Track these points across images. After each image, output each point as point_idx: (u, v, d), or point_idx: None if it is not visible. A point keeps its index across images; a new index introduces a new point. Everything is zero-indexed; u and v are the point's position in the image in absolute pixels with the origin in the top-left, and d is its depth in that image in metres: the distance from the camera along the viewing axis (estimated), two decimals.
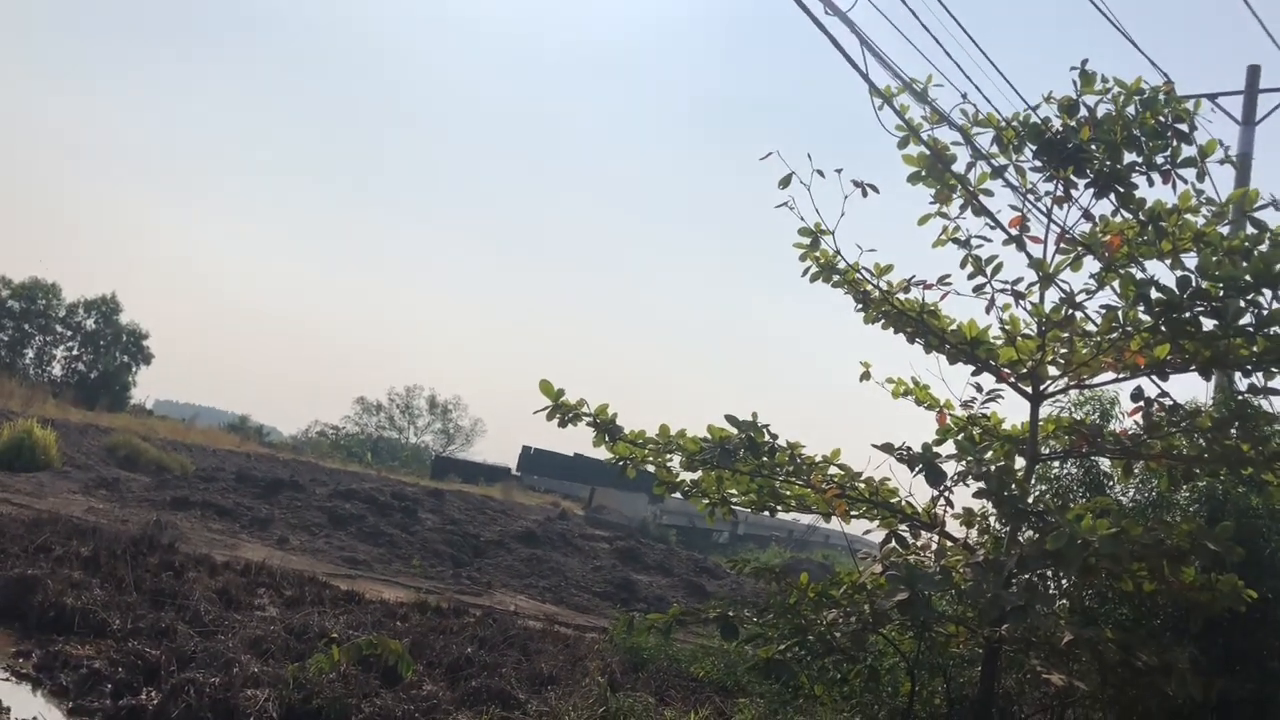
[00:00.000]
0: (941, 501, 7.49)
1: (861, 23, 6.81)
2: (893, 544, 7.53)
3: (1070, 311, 7.36)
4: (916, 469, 7.12)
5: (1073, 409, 9.00)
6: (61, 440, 23.56)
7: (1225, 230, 7.36)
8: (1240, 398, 7.24)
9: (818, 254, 7.85)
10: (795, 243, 7.84)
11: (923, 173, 7.63)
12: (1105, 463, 9.15)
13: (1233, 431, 7.14)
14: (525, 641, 11.89)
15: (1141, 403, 7.44)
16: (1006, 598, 6.11)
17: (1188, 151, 7.32)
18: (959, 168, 7.60)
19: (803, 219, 7.56)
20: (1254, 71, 16.37)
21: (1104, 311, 7.18)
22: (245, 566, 13.40)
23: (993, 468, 7.12)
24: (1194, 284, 6.61)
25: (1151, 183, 7.36)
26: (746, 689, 10.35)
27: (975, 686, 7.72)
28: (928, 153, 7.56)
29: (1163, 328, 6.79)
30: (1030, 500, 7.34)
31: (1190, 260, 7.04)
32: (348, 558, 17.93)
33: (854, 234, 7.74)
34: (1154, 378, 7.41)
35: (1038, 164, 7.46)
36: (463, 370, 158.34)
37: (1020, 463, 7.74)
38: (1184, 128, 7.29)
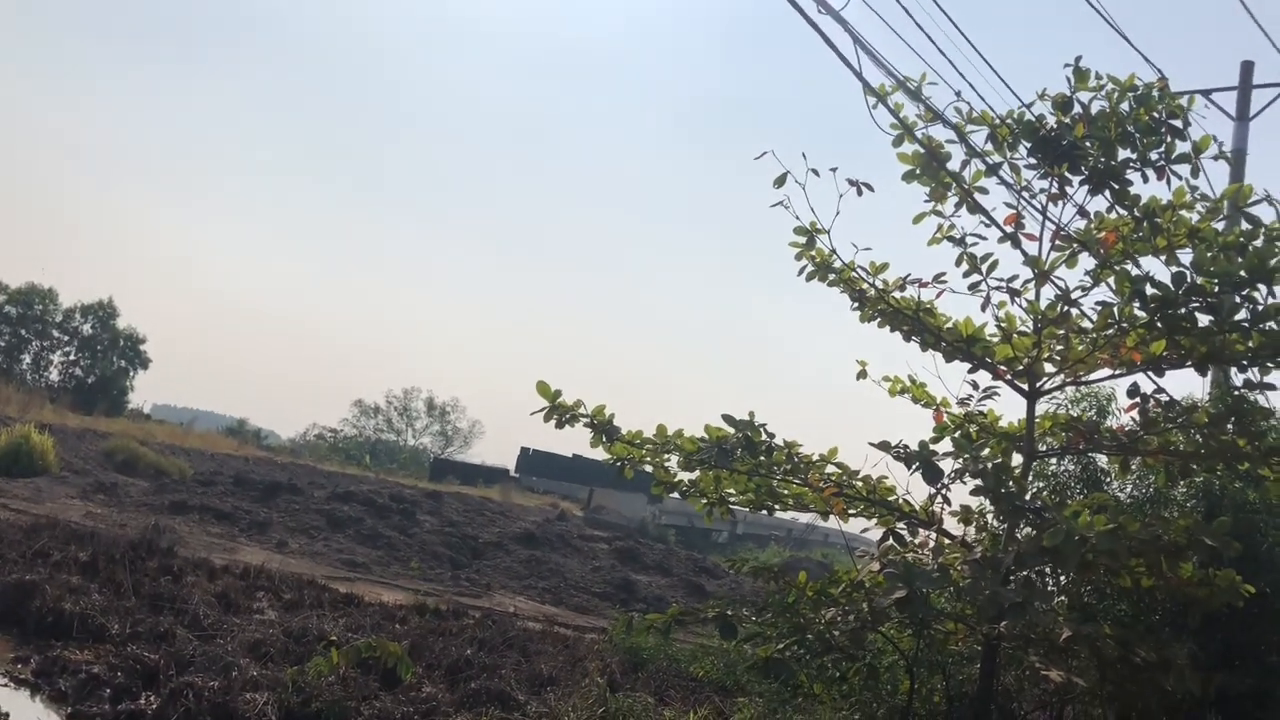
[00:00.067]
0: (939, 499, 7.49)
1: (854, 21, 6.82)
2: (890, 542, 7.53)
3: (1066, 308, 7.37)
4: (914, 467, 7.13)
5: (1069, 406, 9.02)
6: (59, 445, 23.54)
7: (1220, 226, 7.37)
8: (1236, 393, 7.25)
9: (813, 253, 7.86)
10: (791, 242, 7.85)
11: (917, 171, 7.64)
12: (1103, 459, 9.17)
13: (1229, 427, 7.15)
14: (524, 643, 11.89)
15: (1138, 399, 7.46)
16: (1004, 595, 6.12)
17: (1182, 148, 7.32)
18: (954, 165, 7.61)
19: (798, 218, 7.57)
20: (1248, 67, 16.39)
21: (1100, 308, 7.19)
22: (244, 570, 13.39)
23: (989, 465, 7.13)
24: (1189, 280, 6.63)
25: (1146, 179, 7.36)
26: (746, 688, 10.35)
27: (974, 684, 7.73)
28: (922, 151, 7.56)
29: (1158, 324, 6.80)
30: (1028, 497, 7.34)
31: (1185, 256, 7.06)
32: (346, 560, 17.91)
33: (850, 233, 7.75)
34: (1150, 374, 7.41)
35: (1032, 161, 7.47)
36: (461, 372, 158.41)
37: (1017, 460, 7.75)
38: (1178, 124, 7.30)
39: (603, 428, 7.68)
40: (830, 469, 7.66)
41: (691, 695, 10.26)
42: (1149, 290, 6.71)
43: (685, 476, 8.05)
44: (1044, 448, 8.13)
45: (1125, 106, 7.27)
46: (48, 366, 57.21)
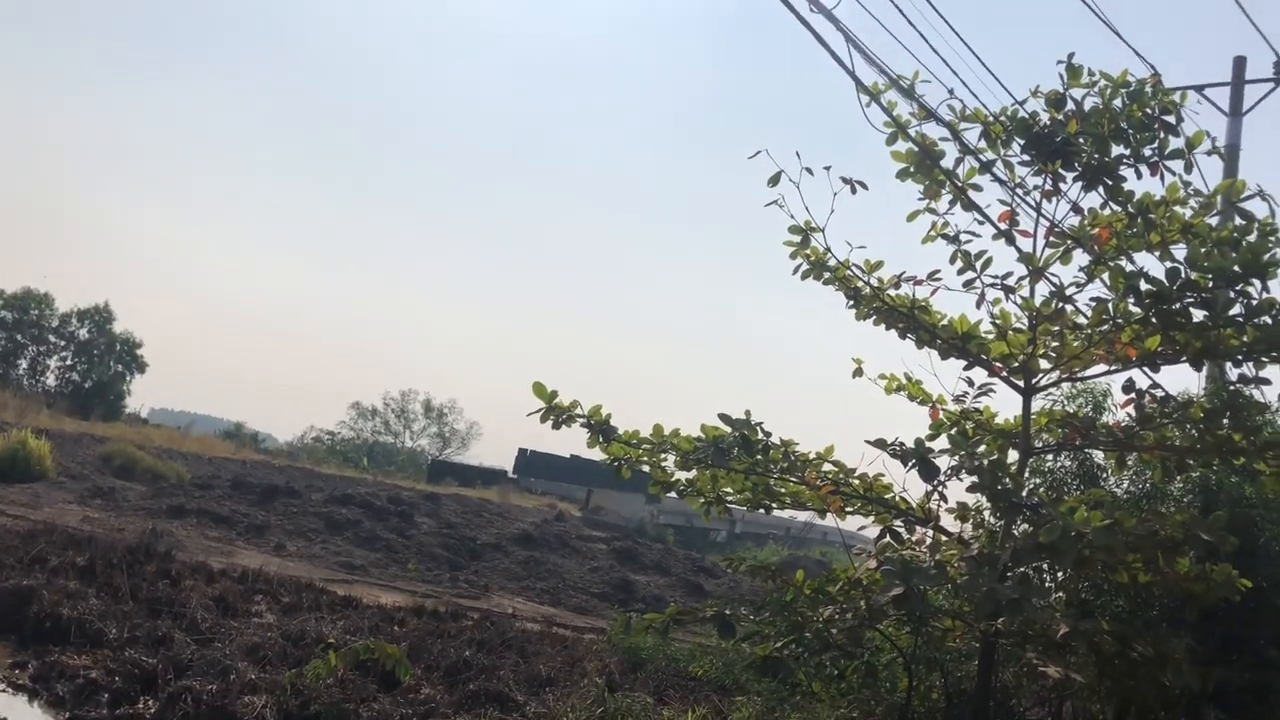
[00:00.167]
0: (935, 496, 7.50)
1: (847, 19, 6.82)
2: (887, 539, 7.54)
3: (1060, 305, 7.38)
4: (910, 464, 7.14)
5: (1065, 402, 9.02)
6: (56, 450, 23.48)
7: (1214, 221, 7.38)
8: (1232, 388, 7.26)
9: (808, 251, 7.87)
10: (785, 240, 7.85)
11: (911, 169, 7.65)
12: (1099, 455, 9.17)
13: (1225, 421, 7.15)
14: (523, 644, 11.89)
15: (1133, 394, 7.47)
16: (1002, 591, 6.13)
17: (1175, 143, 7.34)
18: (947, 163, 7.62)
19: (792, 217, 7.57)
20: (1240, 63, 16.41)
21: (1094, 304, 7.19)
22: (242, 574, 13.38)
23: (986, 462, 7.14)
24: (1183, 275, 6.64)
25: (1140, 175, 7.37)
26: (745, 687, 10.35)
27: (972, 681, 7.73)
28: (916, 149, 7.57)
29: (1153, 319, 6.81)
30: (1024, 494, 7.35)
31: (1179, 252, 7.07)
32: (344, 563, 17.91)
33: (845, 231, 7.76)
34: (1145, 369, 7.42)
35: (1026, 158, 7.47)
36: (458, 373, 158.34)
37: (1014, 456, 7.75)
38: (1171, 120, 7.32)
39: (599, 428, 7.68)
40: (827, 467, 7.67)
41: (690, 694, 10.26)
42: (1143, 286, 6.72)
43: (682, 476, 8.05)
44: (1040, 444, 8.14)
45: (1118, 103, 7.28)
46: (44, 371, 57.19)
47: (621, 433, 7.73)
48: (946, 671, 8.31)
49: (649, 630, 7.66)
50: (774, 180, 7.19)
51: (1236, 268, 6.53)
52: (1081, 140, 7.25)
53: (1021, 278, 7.51)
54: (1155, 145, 7.31)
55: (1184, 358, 7.08)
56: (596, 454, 7.96)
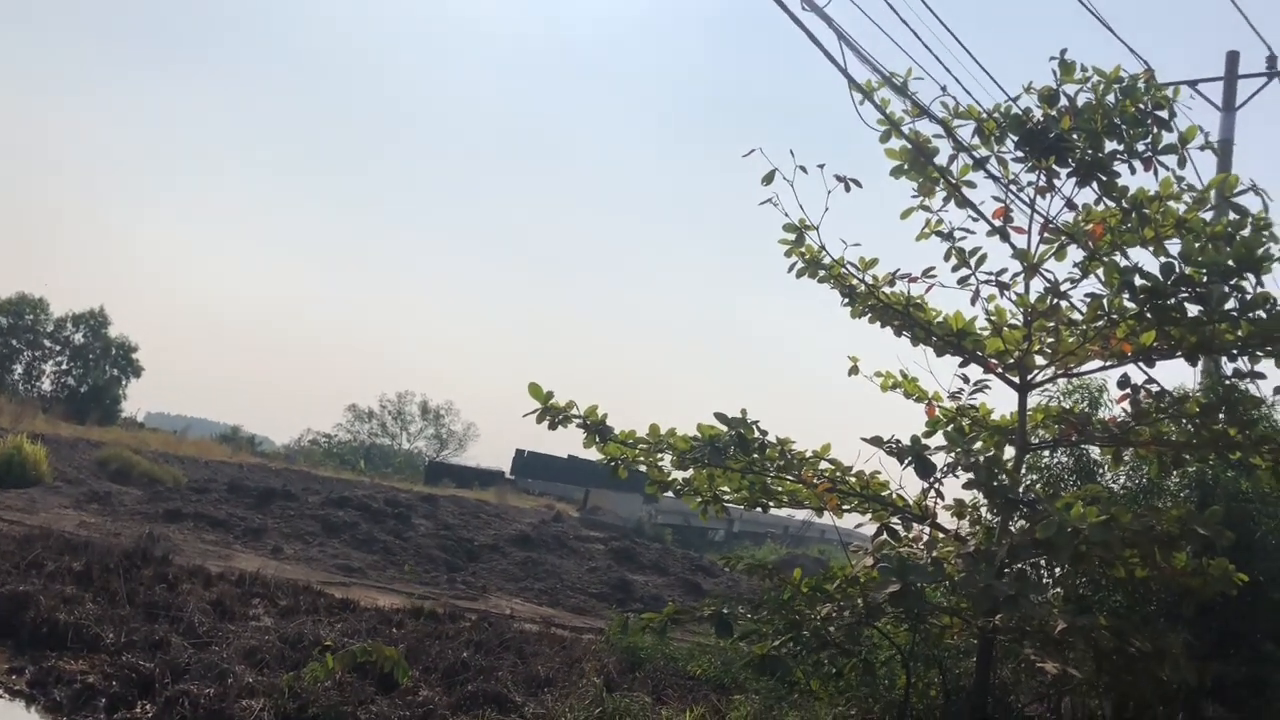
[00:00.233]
0: (932, 493, 7.50)
1: (840, 17, 6.82)
2: (884, 537, 7.54)
3: (1055, 301, 7.38)
4: (906, 461, 7.14)
5: (1061, 398, 9.03)
6: (52, 455, 23.46)
7: (1207, 216, 7.39)
8: (1227, 382, 7.27)
9: (803, 250, 7.87)
10: (780, 239, 7.86)
11: (905, 166, 7.65)
12: (1096, 451, 9.18)
13: (1220, 416, 7.17)
14: (521, 645, 11.88)
15: (1129, 390, 7.48)
16: (998, 588, 6.13)
17: (1168, 138, 7.35)
18: (941, 160, 7.62)
19: (787, 215, 7.58)
20: (1233, 57, 16.42)
21: (1089, 300, 7.20)
22: (239, 577, 13.36)
23: (982, 458, 7.15)
24: (1178, 270, 6.64)
25: (1133, 170, 7.39)
26: (744, 686, 10.35)
27: (971, 677, 7.73)
28: (909, 146, 7.57)
29: (1148, 314, 6.82)
30: (1020, 490, 7.36)
31: (1173, 247, 7.08)
32: (342, 565, 17.89)
33: (840, 229, 7.75)
34: (1141, 364, 7.43)
35: (1020, 155, 7.47)
36: (455, 374, 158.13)
37: (1010, 453, 7.76)
38: (1164, 115, 7.32)
39: (595, 428, 7.68)
40: (824, 465, 7.68)
41: (689, 694, 10.26)
42: (1138, 281, 6.73)
43: (679, 475, 8.06)
44: (1036, 440, 8.15)
45: (1111, 98, 7.28)
46: (40, 376, 57.11)
47: (618, 433, 7.73)
48: (945, 668, 8.32)
49: (647, 630, 7.66)
50: (768, 179, 7.19)
51: (1231, 262, 6.53)
52: (1075, 136, 7.25)
53: (1016, 274, 7.52)
54: (1149, 140, 7.32)
55: (1179, 353, 7.09)
56: (594, 454, 7.96)
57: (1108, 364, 7.51)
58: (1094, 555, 6.44)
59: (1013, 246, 7.50)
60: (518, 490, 49.51)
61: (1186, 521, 6.42)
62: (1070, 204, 7.54)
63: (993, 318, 7.67)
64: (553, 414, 7.60)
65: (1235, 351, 6.95)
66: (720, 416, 7.39)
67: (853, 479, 7.63)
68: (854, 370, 8.21)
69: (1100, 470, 9.36)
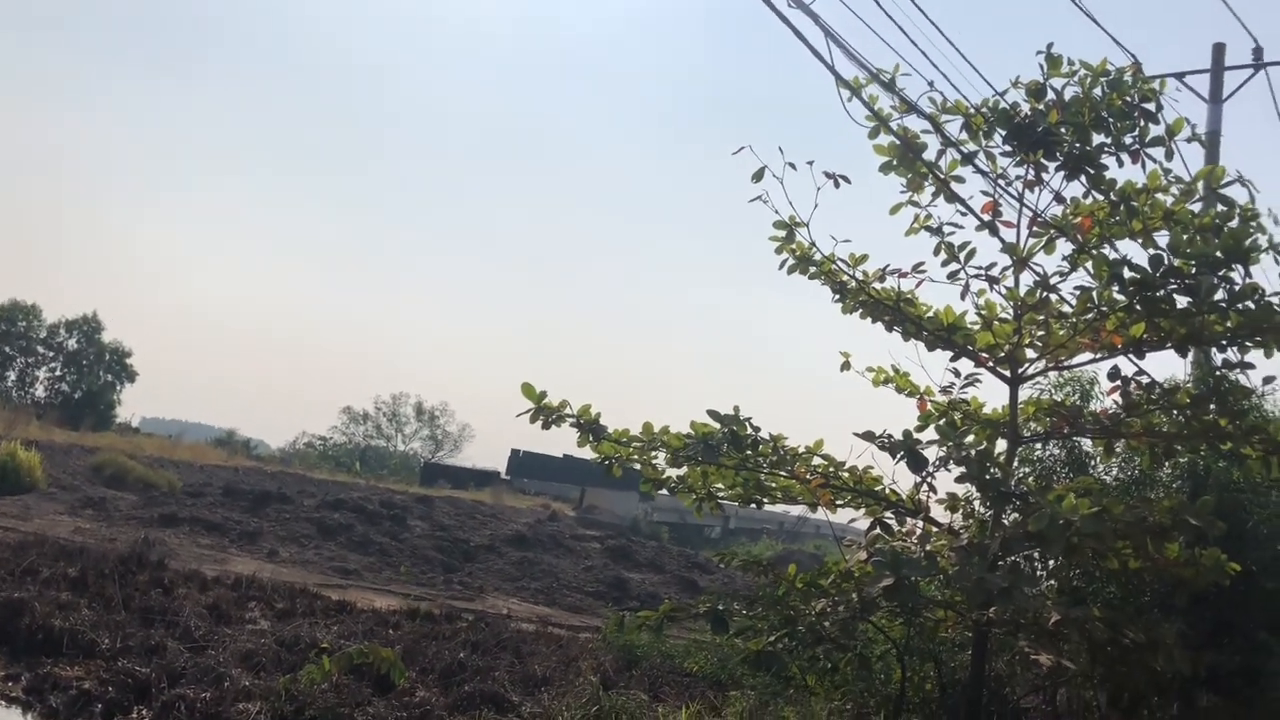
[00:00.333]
0: (925, 487, 7.51)
1: (825, 14, 6.83)
2: (877, 531, 7.55)
3: (1045, 294, 7.39)
4: (898, 456, 7.15)
5: (1052, 391, 9.06)
6: (46, 461, 23.43)
7: (1195, 208, 7.41)
8: (1217, 373, 7.29)
9: (793, 246, 7.87)
10: (770, 236, 7.86)
11: (894, 162, 7.65)
12: (1087, 443, 9.21)
13: (1211, 407, 7.19)
14: (518, 644, 11.89)
15: (1120, 382, 7.50)
16: (992, 580, 6.14)
17: (1156, 131, 7.35)
18: (929, 156, 7.61)
19: (777, 212, 7.57)
20: (1219, 49, 16.44)
21: (1079, 293, 7.22)
22: (235, 581, 13.36)
23: (974, 452, 7.15)
24: (1166, 262, 6.66)
25: (1121, 163, 7.39)
26: (740, 682, 10.37)
27: (966, 670, 7.76)
28: (898, 142, 7.58)
29: (1137, 306, 6.84)
30: (1013, 483, 7.37)
31: (1162, 239, 7.09)
32: (338, 568, 17.90)
33: (830, 225, 7.77)
34: (1131, 356, 7.44)
35: (1008, 149, 7.47)
36: (451, 376, 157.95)
37: (1002, 446, 7.77)
38: (1151, 107, 7.33)
39: (589, 427, 7.68)
40: (817, 461, 7.69)
41: (685, 691, 10.28)
42: (1127, 273, 6.75)
43: (673, 473, 8.06)
44: (1028, 433, 8.16)
45: (1098, 92, 7.29)
46: (33, 383, 56.97)
47: (611, 431, 7.74)
48: (940, 662, 8.34)
49: (643, 628, 7.68)
50: (757, 176, 7.19)
51: (1219, 253, 6.56)
52: (1063, 130, 7.26)
53: (1005, 268, 7.52)
54: (1136, 133, 7.32)
55: (1169, 344, 7.11)
56: (589, 453, 7.96)
57: (1098, 356, 7.53)
58: (1086, 547, 6.45)
59: (1002, 241, 7.52)
60: (513, 490, 49.48)
61: (1178, 512, 6.43)
62: (1059, 197, 7.55)
63: (983, 312, 7.69)
64: (546, 413, 7.61)
65: (1225, 342, 6.96)
66: (713, 413, 7.40)
67: (846, 474, 7.64)
68: (846, 366, 8.22)
69: (1092, 462, 9.39)
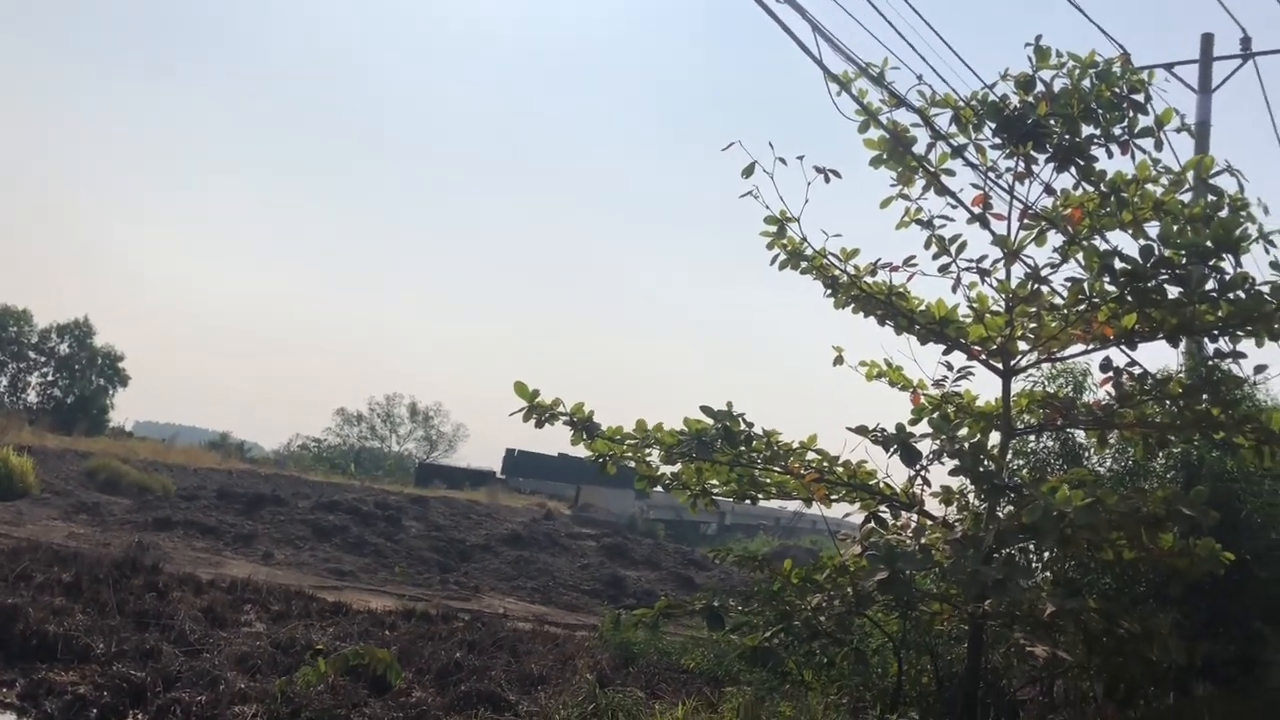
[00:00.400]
0: (919, 481, 7.52)
1: (813, 8, 6.82)
2: (872, 525, 7.56)
3: (1036, 286, 7.41)
4: (892, 450, 7.15)
5: (1045, 383, 9.08)
6: (39, 467, 23.34)
7: (1185, 198, 7.42)
8: (1209, 363, 7.31)
9: (784, 241, 7.88)
10: (762, 231, 7.87)
11: (884, 156, 7.66)
12: (1081, 434, 9.22)
13: (1203, 397, 7.20)
14: (514, 643, 11.88)
15: (1112, 373, 7.51)
16: (986, 573, 6.15)
17: (1145, 122, 7.37)
18: (919, 149, 7.63)
19: (768, 207, 7.58)
20: (1208, 40, 16.48)
21: (1070, 284, 7.23)
22: (230, 584, 13.33)
23: (967, 445, 7.16)
24: (1157, 252, 6.68)
25: (1111, 154, 7.40)
26: (737, 678, 10.37)
27: (963, 663, 7.76)
28: (887, 136, 7.58)
29: (1129, 297, 6.85)
30: (1006, 475, 7.38)
31: (1152, 229, 7.11)
32: (333, 569, 17.87)
33: (821, 220, 7.76)
34: (1123, 347, 7.47)
35: (997, 141, 7.50)
36: (443, 376, 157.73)
37: (995, 438, 7.78)
38: (1140, 98, 7.35)
39: (582, 425, 7.68)
40: (810, 456, 7.69)
41: (682, 687, 10.27)
42: (1118, 264, 6.76)
43: (667, 470, 8.06)
44: (1021, 425, 8.18)
45: (1087, 83, 7.31)
46: (25, 388, 56.75)
47: (605, 429, 7.73)
48: (936, 655, 8.35)
49: (639, 625, 7.66)
50: (747, 171, 7.19)
51: (1209, 243, 6.57)
52: (1052, 121, 7.28)
53: (996, 260, 7.54)
54: (1125, 124, 7.34)
55: (1160, 334, 7.12)
56: (583, 452, 7.96)
57: (1090, 348, 7.54)
58: (1081, 538, 6.46)
59: (992, 233, 7.53)
60: (509, 489, 49.47)
61: (1172, 502, 6.45)
62: (1049, 189, 7.57)
63: (975, 305, 7.70)
64: (539, 412, 7.60)
65: (1216, 332, 6.98)
66: (706, 410, 7.39)
67: (840, 469, 7.64)
68: (839, 360, 8.23)
69: (1086, 453, 9.41)
